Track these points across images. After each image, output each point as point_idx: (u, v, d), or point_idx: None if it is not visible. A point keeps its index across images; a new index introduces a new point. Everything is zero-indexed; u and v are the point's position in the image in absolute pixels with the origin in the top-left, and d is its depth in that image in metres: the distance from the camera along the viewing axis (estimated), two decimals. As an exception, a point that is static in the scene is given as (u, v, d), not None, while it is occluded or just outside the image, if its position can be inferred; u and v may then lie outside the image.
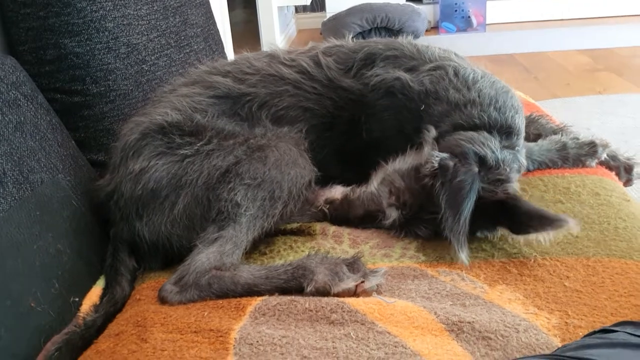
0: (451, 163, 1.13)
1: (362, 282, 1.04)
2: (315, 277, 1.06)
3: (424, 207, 1.19)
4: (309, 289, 1.05)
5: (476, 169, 1.13)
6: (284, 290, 1.06)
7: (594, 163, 1.39)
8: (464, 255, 1.06)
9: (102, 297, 1.16)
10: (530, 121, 1.53)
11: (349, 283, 1.04)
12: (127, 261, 1.22)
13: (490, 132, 1.20)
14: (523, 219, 1.09)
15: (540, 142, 1.43)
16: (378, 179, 1.28)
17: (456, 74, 1.28)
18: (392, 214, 1.24)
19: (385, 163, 1.28)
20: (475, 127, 1.21)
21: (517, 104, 1.29)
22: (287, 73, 1.36)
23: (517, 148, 1.23)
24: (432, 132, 1.22)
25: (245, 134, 1.27)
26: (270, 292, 1.06)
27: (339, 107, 1.33)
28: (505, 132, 1.22)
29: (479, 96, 1.24)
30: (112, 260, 1.22)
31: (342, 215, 1.30)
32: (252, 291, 1.07)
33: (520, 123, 1.27)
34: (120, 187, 1.23)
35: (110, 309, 1.11)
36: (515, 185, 1.21)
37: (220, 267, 1.11)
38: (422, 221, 1.21)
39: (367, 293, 1.04)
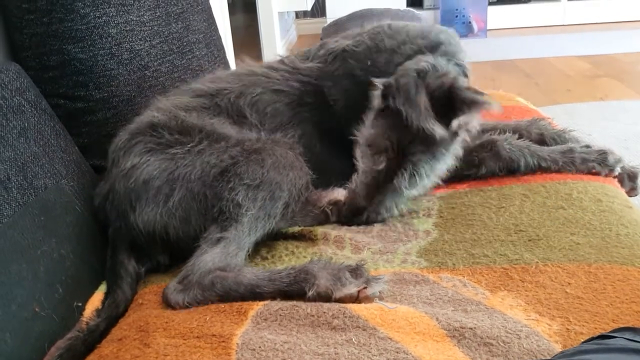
0: (392, 79, 1.25)
1: (365, 287, 1.04)
2: (317, 282, 1.06)
3: (401, 141, 1.27)
4: (310, 293, 1.05)
5: (415, 74, 1.25)
6: (286, 294, 1.07)
7: (604, 172, 1.39)
8: (438, 128, 1.19)
9: (103, 302, 1.16)
10: (532, 123, 1.57)
11: (351, 288, 1.05)
12: (127, 263, 1.22)
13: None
14: (459, 105, 1.20)
15: (547, 147, 1.45)
16: (358, 155, 1.34)
17: (389, 27, 1.45)
18: (381, 165, 1.29)
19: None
20: (409, 58, 1.34)
21: (441, 29, 1.44)
22: (257, 68, 1.49)
23: (449, 56, 1.36)
24: (379, 84, 1.30)
25: (237, 137, 1.30)
26: (273, 296, 1.07)
27: (305, 83, 1.44)
28: (433, 47, 1.37)
29: (407, 35, 1.41)
30: (112, 264, 1.22)
31: (346, 216, 1.32)
32: (254, 293, 1.08)
33: (447, 38, 1.41)
34: (114, 186, 1.25)
35: (113, 312, 1.11)
36: (463, 81, 1.30)
37: (224, 268, 1.12)
38: (409, 156, 1.27)
39: (369, 299, 1.04)
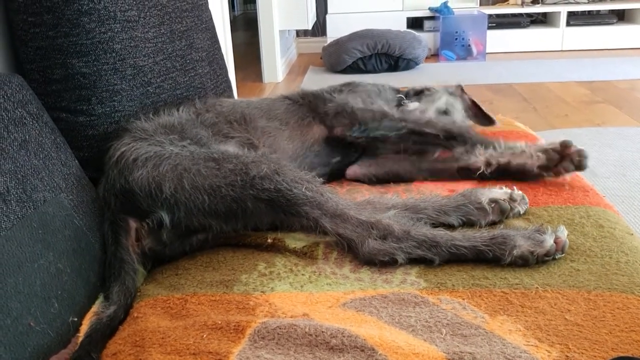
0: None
1: (559, 238, 1.16)
2: (517, 243, 1.14)
3: None
4: (515, 253, 1.14)
5: None
6: (481, 254, 1.16)
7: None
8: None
9: (108, 290, 1.19)
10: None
11: (549, 242, 1.14)
12: (130, 249, 1.27)
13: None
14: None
15: None
16: None
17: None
18: None
19: None
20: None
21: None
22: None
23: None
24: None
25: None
26: (469, 253, 1.16)
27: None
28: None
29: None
30: (115, 249, 1.26)
31: None
32: (453, 246, 1.16)
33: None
34: (108, 174, 1.35)
35: (127, 300, 1.17)
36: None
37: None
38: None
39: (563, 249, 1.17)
